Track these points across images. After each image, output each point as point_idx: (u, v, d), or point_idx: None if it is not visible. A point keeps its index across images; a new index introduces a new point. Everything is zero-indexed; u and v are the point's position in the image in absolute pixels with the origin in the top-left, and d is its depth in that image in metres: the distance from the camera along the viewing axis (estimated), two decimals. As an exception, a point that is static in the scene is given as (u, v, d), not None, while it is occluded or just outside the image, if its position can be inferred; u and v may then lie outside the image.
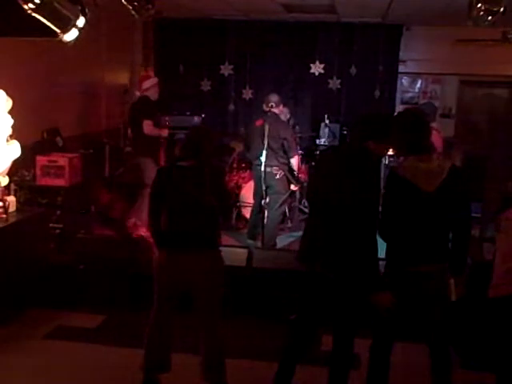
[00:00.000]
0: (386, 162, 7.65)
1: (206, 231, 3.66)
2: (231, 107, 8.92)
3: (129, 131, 7.33)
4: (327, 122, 7.93)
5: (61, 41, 4.21)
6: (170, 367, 3.79)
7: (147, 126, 6.36)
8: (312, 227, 3.55)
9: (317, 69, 8.59)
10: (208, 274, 3.64)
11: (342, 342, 3.48)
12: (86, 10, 4.27)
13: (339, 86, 8.64)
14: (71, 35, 4.20)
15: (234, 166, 7.79)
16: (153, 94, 6.64)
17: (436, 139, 5.60)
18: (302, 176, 7.38)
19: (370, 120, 3.45)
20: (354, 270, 3.29)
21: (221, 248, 3.83)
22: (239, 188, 7.43)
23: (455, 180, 3.27)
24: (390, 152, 7.24)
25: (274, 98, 6.52)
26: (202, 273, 3.62)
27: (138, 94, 6.82)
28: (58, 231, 5.83)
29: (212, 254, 3.69)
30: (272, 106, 6.39)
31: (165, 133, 6.68)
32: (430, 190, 3.21)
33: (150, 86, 6.65)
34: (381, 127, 3.35)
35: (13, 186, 5.47)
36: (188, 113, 8.17)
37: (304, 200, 7.37)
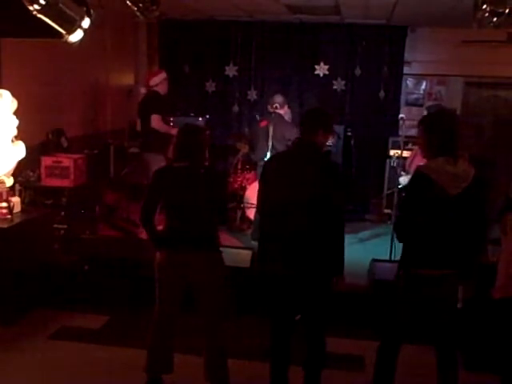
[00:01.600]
0: (394, 165, 7.67)
1: (203, 232, 3.65)
2: (236, 108, 8.91)
3: (138, 127, 7.11)
4: (332, 123, 7.90)
5: (66, 42, 4.22)
6: (173, 368, 3.79)
7: (155, 121, 6.30)
8: (269, 231, 3.57)
9: (321, 70, 8.58)
10: (207, 275, 3.64)
11: (314, 340, 3.57)
12: (91, 12, 4.27)
13: (344, 88, 8.61)
14: (76, 36, 4.20)
15: (239, 167, 7.79)
16: (162, 89, 6.58)
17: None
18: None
19: (318, 112, 3.75)
20: (322, 263, 3.43)
21: (224, 249, 3.83)
22: (243, 189, 7.43)
23: (478, 187, 3.26)
24: (397, 154, 7.34)
25: (278, 98, 6.51)
26: (200, 274, 3.63)
27: (143, 90, 6.68)
28: (62, 232, 5.85)
29: (211, 255, 3.69)
30: (277, 107, 6.39)
31: (174, 132, 6.48)
32: (456, 193, 3.19)
33: (158, 81, 6.58)
34: (327, 118, 3.66)
35: (18, 187, 5.49)
36: (192, 114, 8.18)
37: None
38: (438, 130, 3.32)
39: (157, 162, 6.29)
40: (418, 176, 3.30)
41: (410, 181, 3.42)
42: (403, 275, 3.40)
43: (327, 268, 3.49)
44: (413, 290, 3.34)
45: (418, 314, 3.38)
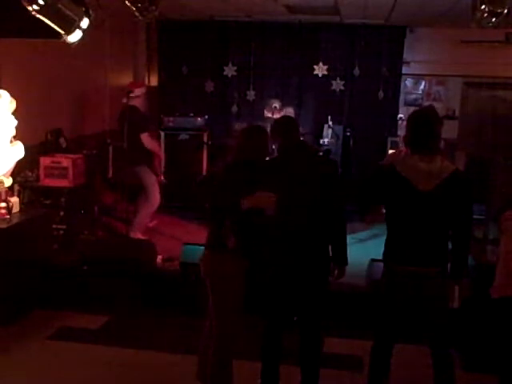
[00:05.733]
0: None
1: None
2: (235, 108, 8.90)
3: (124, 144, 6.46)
4: (330, 123, 7.93)
5: (65, 42, 4.22)
6: None
7: (146, 140, 6.29)
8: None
9: (320, 70, 8.57)
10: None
11: (311, 339, 3.60)
12: (90, 12, 4.28)
13: (343, 88, 8.61)
14: (75, 36, 4.21)
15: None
16: (141, 105, 6.48)
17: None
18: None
19: (293, 119, 4.02)
20: (319, 263, 3.50)
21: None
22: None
23: (456, 184, 3.23)
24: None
25: (277, 103, 6.56)
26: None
27: (124, 100, 6.50)
28: (61, 232, 5.85)
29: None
30: (275, 108, 6.41)
31: (161, 157, 7.01)
32: (426, 189, 3.20)
33: (140, 93, 6.48)
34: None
35: (16, 187, 5.49)
36: (191, 114, 8.19)
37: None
38: (412, 126, 3.36)
39: (145, 172, 6.30)
40: (390, 171, 3.33)
41: (381, 168, 3.51)
42: (384, 272, 3.42)
43: (324, 267, 3.53)
44: (393, 287, 3.33)
45: (405, 312, 3.37)
